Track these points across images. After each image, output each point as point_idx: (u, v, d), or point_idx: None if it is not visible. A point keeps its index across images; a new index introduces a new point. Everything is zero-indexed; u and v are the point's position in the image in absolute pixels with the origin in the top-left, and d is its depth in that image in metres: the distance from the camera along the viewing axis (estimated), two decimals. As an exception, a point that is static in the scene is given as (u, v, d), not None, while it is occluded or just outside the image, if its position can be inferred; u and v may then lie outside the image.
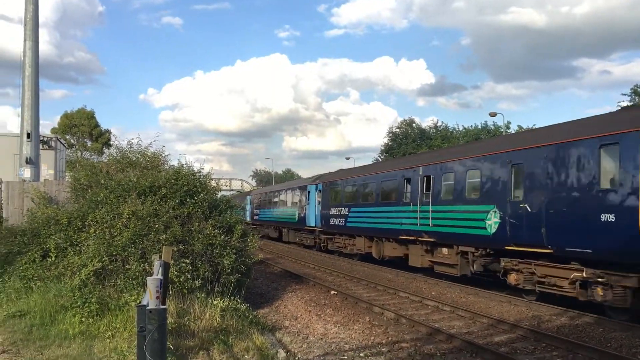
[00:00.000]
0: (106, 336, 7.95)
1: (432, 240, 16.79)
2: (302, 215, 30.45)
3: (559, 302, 12.31)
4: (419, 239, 17.46)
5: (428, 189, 17.16)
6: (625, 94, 43.99)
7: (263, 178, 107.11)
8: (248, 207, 46.85)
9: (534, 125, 49.94)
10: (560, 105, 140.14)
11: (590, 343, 9.21)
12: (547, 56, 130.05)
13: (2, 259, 11.12)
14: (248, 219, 44.73)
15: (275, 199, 37.98)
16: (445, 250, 16.29)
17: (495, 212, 13.62)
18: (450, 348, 9.11)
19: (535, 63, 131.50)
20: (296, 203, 32.23)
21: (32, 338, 8.06)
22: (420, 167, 17.86)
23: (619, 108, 17.95)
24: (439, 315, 11.97)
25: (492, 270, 14.66)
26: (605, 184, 10.72)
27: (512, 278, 13.30)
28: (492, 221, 13.66)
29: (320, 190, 27.96)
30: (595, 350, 8.56)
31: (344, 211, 24.06)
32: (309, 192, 29.69)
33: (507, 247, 13.28)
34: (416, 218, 17.47)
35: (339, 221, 24.61)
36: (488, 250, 14.40)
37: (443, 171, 16.48)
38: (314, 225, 28.55)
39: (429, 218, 16.77)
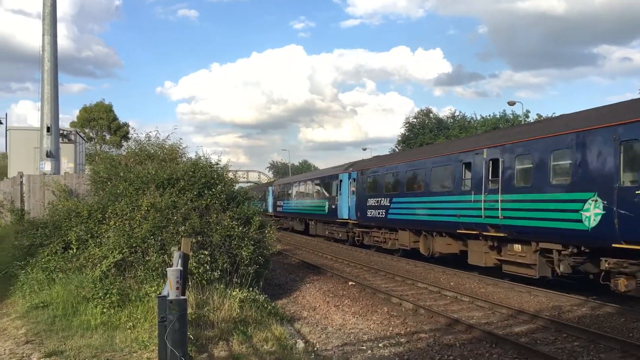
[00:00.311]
0: (127, 327, 8.06)
1: (501, 235, 14.14)
2: (333, 206, 27.96)
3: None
4: (483, 233, 14.87)
5: (495, 174, 14.50)
6: (646, 81, 42.93)
7: (280, 170, 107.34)
8: (270, 199, 44.83)
9: (554, 113, 49.19)
10: (579, 92, 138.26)
11: (612, 333, 9.08)
12: (566, 43, 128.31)
13: (25, 251, 11.31)
14: (271, 210, 43.32)
15: (302, 190, 35.61)
16: (518, 247, 13.62)
17: (595, 201, 11.05)
18: (469, 338, 9.06)
19: (554, 50, 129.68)
20: (326, 193, 29.97)
21: (55, 329, 8.20)
22: (485, 150, 15.15)
23: None
24: (457, 305, 11.92)
25: (583, 272, 12.32)
26: None
27: (622, 283, 10.68)
28: (592, 212, 11.11)
29: (354, 179, 25.51)
30: (617, 341, 8.44)
31: (385, 202, 21.45)
32: (340, 181, 27.23)
33: (614, 245, 10.61)
34: (480, 209, 14.82)
35: (378, 213, 22.00)
36: (582, 249, 11.78)
37: (516, 153, 13.83)
38: (347, 217, 26.26)
39: (497, 209, 14.04)
